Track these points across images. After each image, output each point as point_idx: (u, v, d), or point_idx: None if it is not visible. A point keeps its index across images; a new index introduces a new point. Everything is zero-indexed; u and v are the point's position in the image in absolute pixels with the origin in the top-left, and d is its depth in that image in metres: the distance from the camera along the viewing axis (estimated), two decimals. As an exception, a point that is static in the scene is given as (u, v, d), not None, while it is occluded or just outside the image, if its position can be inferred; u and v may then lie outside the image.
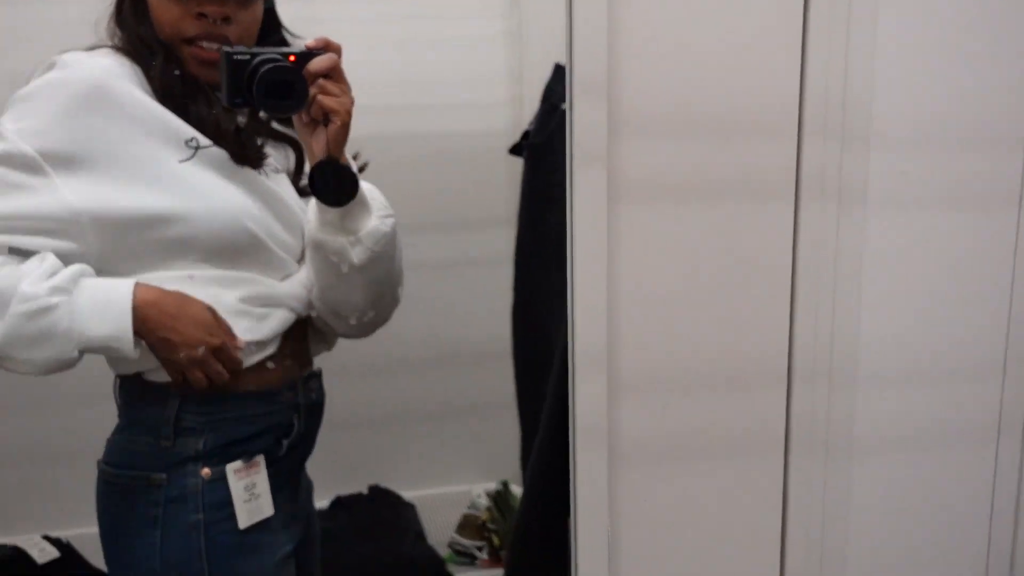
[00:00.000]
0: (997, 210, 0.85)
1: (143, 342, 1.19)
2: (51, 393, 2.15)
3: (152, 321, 1.18)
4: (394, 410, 2.41)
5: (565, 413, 1.36)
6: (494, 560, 2.20)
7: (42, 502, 2.25)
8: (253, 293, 1.27)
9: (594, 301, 0.76)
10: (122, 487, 1.28)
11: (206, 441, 1.26)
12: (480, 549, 2.22)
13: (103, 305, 1.16)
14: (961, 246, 0.84)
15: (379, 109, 2.21)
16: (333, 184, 1.21)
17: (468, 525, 2.28)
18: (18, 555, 2.09)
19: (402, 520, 2.29)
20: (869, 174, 0.79)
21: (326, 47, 1.22)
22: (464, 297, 2.38)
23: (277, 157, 1.35)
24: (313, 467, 2.14)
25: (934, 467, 0.87)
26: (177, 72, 1.25)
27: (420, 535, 2.25)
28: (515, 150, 1.70)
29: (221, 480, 1.25)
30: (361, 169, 1.32)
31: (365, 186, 1.29)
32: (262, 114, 1.32)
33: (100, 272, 1.20)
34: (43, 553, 2.10)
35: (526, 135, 1.66)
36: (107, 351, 1.19)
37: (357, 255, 1.27)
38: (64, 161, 1.16)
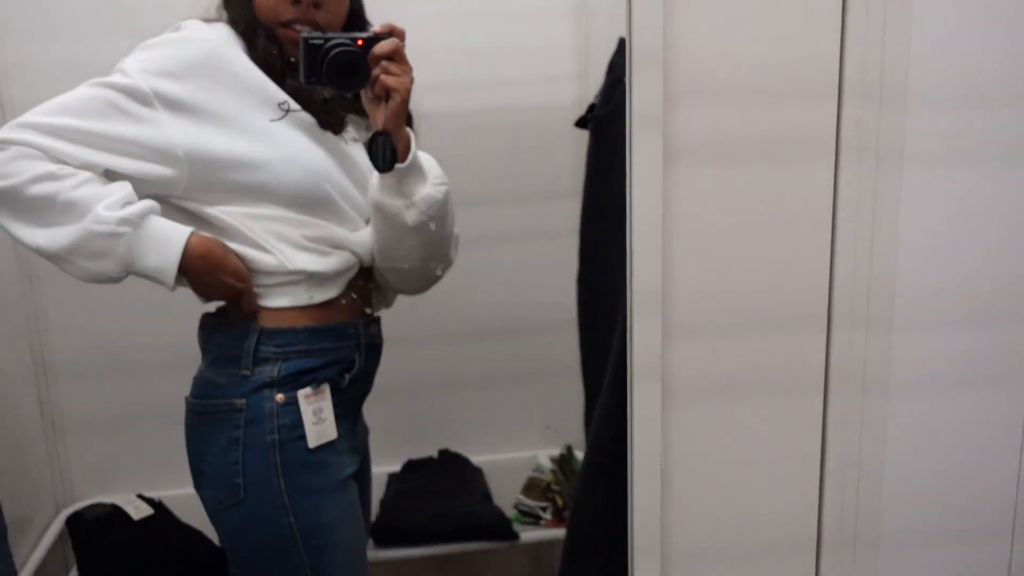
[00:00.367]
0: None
1: (183, 279, 1.38)
2: (147, 364, 2.30)
3: (195, 268, 1.36)
4: (463, 378, 2.48)
5: (626, 376, 1.43)
6: (558, 520, 2.25)
7: (137, 464, 2.38)
8: (318, 234, 1.42)
9: (650, 251, 0.84)
10: (208, 414, 1.44)
11: (280, 370, 1.42)
12: (544, 510, 2.27)
13: (159, 244, 1.33)
14: (995, 200, 0.89)
15: (446, 85, 2.29)
16: (382, 152, 1.35)
17: (533, 487, 2.34)
18: (116, 512, 2.22)
19: (470, 481, 2.37)
20: (906, 132, 0.85)
21: (391, 32, 1.37)
22: (530, 268, 2.43)
23: (357, 129, 1.51)
24: (386, 432, 2.25)
25: (967, 406, 0.92)
26: (275, 51, 1.41)
27: (487, 495, 2.33)
28: (581, 123, 1.75)
29: (293, 404, 1.41)
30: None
31: (423, 156, 1.43)
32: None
33: (183, 199, 1.39)
34: (138, 510, 2.23)
35: (591, 108, 1.71)
36: (150, 280, 1.37)
37: (411, 217, 1.42)
38: (172, 103, 1.33)
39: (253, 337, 1.42)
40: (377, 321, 1.58)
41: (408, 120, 1.42)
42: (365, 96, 1.37)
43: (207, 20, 1.44)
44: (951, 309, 0.90)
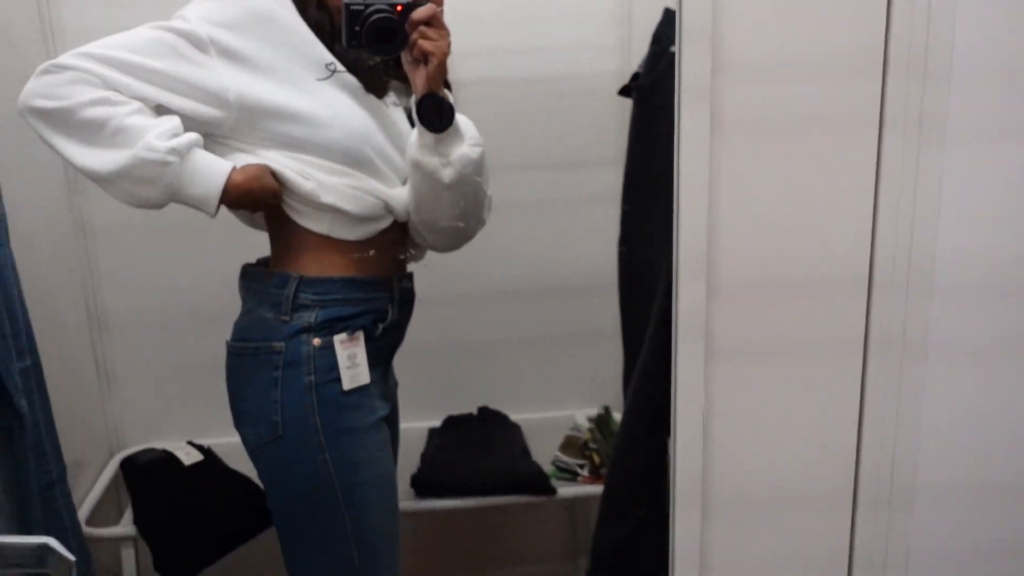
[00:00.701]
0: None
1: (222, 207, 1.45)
2: (197, 315, 2.36)
3: (234, 199, 1.44)
4: (505, 338, 2.52)
5: (669, 337, 1.46)
6: (595, 477, 2.28)
7: (187, 412, 2.45)
8: (356, 184, 1.48)
9: (696, 216, 0.87)
10: (249, 356, 1.51)
11: (317, 316, 1.48)
12: (581, 467, 2.30)
13: (204, 175, 1.41)
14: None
15: (490, 52, 2.31)
16: (434, 113, 1.41)
17: (570, 445, 2.37)
18: (168, 457, 2.30)
19: (509, 438, 2.41)
20: (950, 106, 0.87)
21: None
22: (572, 233, 2.46)
23: (399, 94, 1.57)
24: (427, 389, 2.31)
25: (1005, 373, 0.95)
26: (325, 16, 1.47)
27: (525, 451, 2.36)
28: (624, 91, 1.77)
29: (329, 348, 1.48)
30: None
31: (460, 118, 1.48)
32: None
33: (227, 139, 1.46)
34: (189, 456, 2.30)
35: (635, 76, 1.72)
36: (192, 207, 1.44)
37: (447, 175, 1.47)
38: (227, 52, 1.40)
39: (292, 285, 1.49)
40: (410, 276, 1.65)
41: (446, 83, 1.46)
42: (405, 60, 1.42)
43: None
44: (990, 277, 0.93)
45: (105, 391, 2.42)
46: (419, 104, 1.42)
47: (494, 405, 2.55)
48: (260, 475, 1.59)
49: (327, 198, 1.46)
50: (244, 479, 2.19)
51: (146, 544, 2.08)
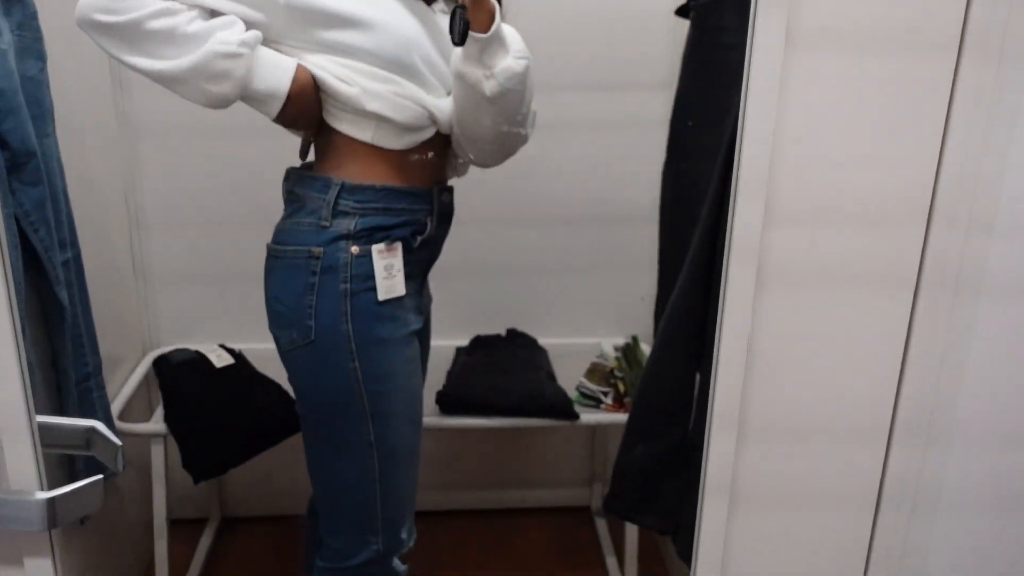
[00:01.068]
0: None
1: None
2: (235, 221, 2.37)
3: (298, 93, 1.44)
4: (537, 262, 2.53)
5: (709, 262, 1.45)
6: (618, 405, 2.30)
7: (220, 316, 2.49)
8: (402, 92, 1.47)
9: (761, 135, 0.86)
10: (287, 259, 1.53)
11: (356, 224, 1.49)
12: (606, 394, 2.32)
13: (273, 68, 1.42)
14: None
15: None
16: (458, 25, 1.40)
17: (596, 372, 2.39)
18: (200, 358, 2.35)
19: (535, 360, 2.44)
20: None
21: None
22: (615, 159, 2.44)
23: (447, 1, 1.58)
24: (457, 307, 2.32)
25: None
26: None
27: (551, 375, 2.39)
28: (681, 11, 1.73)
29: (366, 257, 1.49)
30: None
31: (507, 29, 1.47)
32: None
33: (274, 43, 1.46)
34: (220, 358, 2.35)
35: (693, -4, 1.68)
36: (258, 104, 1.45)
37: (490, 87, 1.46)
38: None
39: (334, 191, 1.49)
40: (450, 190, 1.64)
41: None
42: None
43: None
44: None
45: (141, 290, 2.46)
46: (452, 14, 1.42)
47: (523, 328, 2.57)
48: (290, 378, 1.62)
49: (372, 105, 1.46)
50: (273, 384, 2.23)
51: (176, 442, 2.13)
